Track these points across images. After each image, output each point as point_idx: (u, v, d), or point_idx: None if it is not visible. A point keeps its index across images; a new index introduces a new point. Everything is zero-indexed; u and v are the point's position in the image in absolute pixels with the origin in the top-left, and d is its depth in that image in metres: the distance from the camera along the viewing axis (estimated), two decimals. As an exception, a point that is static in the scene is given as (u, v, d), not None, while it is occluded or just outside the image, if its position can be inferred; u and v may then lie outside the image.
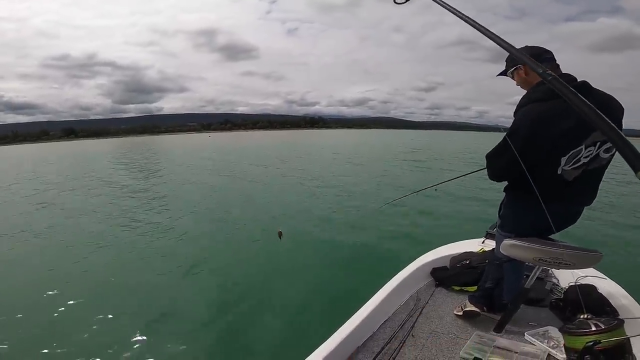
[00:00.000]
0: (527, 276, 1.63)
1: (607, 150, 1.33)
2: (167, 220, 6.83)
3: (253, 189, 10.27)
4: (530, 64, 0.77)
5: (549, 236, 1.51)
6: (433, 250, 2.58)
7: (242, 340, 2.91)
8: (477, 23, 0.88)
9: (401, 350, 1.59)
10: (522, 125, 1.34)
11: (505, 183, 1.58)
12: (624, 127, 1.46)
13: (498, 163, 1.49)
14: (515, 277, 1.74)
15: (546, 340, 1.57)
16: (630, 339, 1.17)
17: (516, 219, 1.59)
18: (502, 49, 0.83)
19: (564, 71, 1.41)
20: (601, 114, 0.57)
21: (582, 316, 1.36)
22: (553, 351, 1.50)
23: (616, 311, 1.69)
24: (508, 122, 1.44)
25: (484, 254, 2.36)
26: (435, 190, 3.00)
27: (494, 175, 1.54)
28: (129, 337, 2.90)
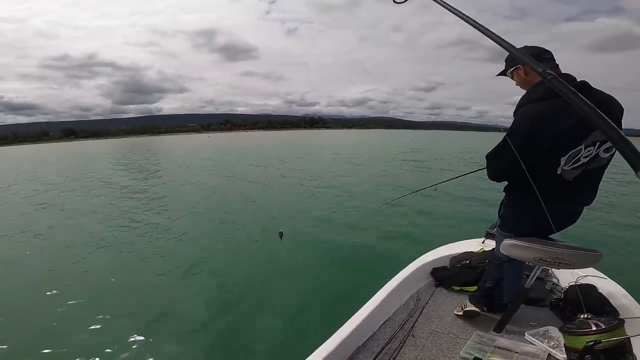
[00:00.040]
0: (527, 276, 1.63)
1: (606, 150, 1.34)
2: (166, 220, 6.83)
3: (253, 189, 10.26)
4: (530, 63, 0.77)
5: (549, 236, 1.51)
6: (433, 250, 2.58)
7: (242, 340, 2.91)
8: (477, 23, 0.88)
9: (401, 350, 1.59)
10: (522, 125, 1.34)
11: (505, 183, 1.58)
12: (623, 127, 1.46)
13: (498, 163, 1.49)
14: (515, 277, 1.74)
15: (546, 340, 1.57)
16: (631, 338, 1.17)
17: (516, 218, 1.59)
18: (502, 48, 0.83)
19: (564, 71, 1.41)
20: (601, 113, 0.57)
21: (582, 316, 1.36)
22: (553, 351, 1.50)
23: (616, 311, 1.69)
24: (508, 122, 1.44)
25: (484, 253, 2.36)
26: (435, 190, 2.99)
27: (494, 176, 1.54)
28: (128, 337, 2.90)
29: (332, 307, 3.19)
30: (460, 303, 1.94)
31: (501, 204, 1.69)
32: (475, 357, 1.49)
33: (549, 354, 1.50)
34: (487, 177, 1.56)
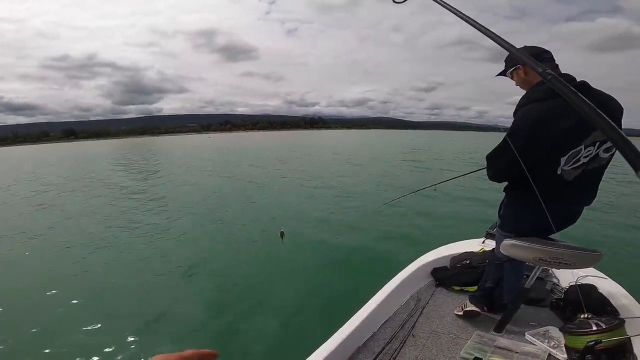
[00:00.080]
0: (527, 276, 1.63)
1: (606, 150, 1.34)
2: (166, 221, 6.82)
3: (253, 189, 10.25)
4: (529, 63, 0.77)
5: (549, 236, 1.51)
6: (433, 250, 2.58)
7: (242, 340, 2.90)
8: (477, 23, 0.88)
9: (402, 350, 1.59)
10: (522, 125, 1.35)
11: (505, 183, 1.58)
12: (623, 127, 1.47)
13: (498, 164, 1.49)
14: (516, 277, 1.74)
15: (547, 340, 1.57)
16: (631, 338, 1.17)
17: (516, 218, 1.59)
18: (502, 48, 0.83)
19: (564, 71, 1.41)
20: (601, 113, 0.57)
21: (582, 316, 1.35)
22: (554, 351, 1.50)
23: (617, 311, 1.69)
24: (508, 122, 1.44)
25: (484, 254, 2.36)
26: (435, 190, 2.99)
27: (495, 176, 1.54)
28: (128, 337, 2.90)
29: (332, 308, 3.19)
30: (461, 303, 1.94)
31: (501, 204, 1.69)
32: (475, 357, 1.49)
33: (550, 354, 1.50)
34: (487, 177, 1.56)
